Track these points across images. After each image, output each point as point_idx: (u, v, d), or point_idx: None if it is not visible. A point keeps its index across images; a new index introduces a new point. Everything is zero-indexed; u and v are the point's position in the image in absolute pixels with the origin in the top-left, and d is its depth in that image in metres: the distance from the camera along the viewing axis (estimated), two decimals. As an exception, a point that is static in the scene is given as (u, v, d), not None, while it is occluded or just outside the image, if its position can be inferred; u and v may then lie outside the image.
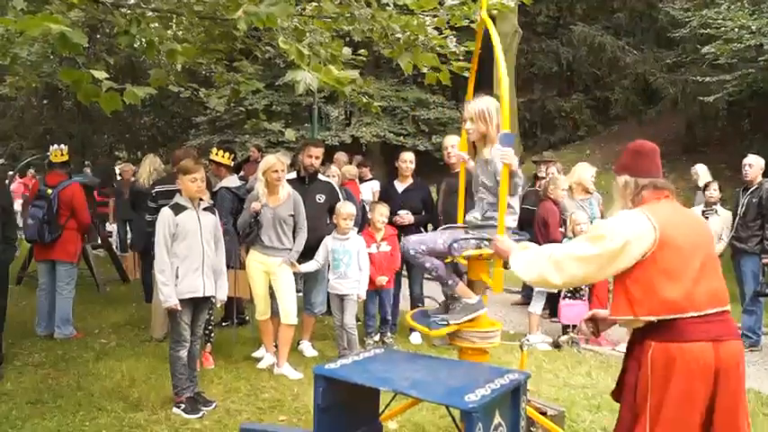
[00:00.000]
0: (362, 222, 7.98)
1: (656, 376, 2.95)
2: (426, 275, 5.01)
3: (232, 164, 7.74)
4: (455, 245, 4.34)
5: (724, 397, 2.94)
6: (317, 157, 6.90)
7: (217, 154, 7.48)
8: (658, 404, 2.94)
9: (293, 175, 6.90)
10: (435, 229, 6.84)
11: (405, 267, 7.61)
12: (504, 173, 4.04)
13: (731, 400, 2.96)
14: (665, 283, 2.97)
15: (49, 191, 7.34)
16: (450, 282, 4.46)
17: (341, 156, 10.55)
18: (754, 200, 7.53)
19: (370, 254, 6.84)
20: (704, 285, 3.02)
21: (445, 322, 4.45)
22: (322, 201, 6.86)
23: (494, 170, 4.25)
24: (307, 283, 6.89)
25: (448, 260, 4.50)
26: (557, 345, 4.95)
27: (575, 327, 7.30)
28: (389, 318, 7.23)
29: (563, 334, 7.37)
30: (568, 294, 7.36)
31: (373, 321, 7.29)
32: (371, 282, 6.85)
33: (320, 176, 7.08)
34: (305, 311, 6.94)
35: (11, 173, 16.42)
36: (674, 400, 2.91)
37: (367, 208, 8.84)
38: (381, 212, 6.99)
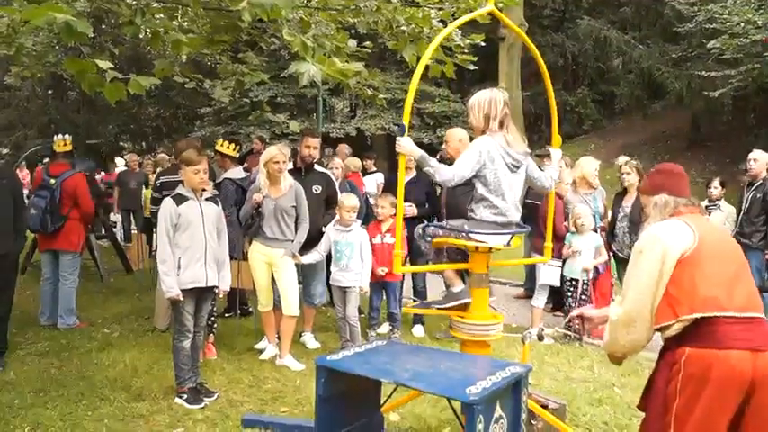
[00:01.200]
0: (366, 215, 7.98)
1: (689, 382, 2.93)
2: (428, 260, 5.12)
3: (237, 155, 7.74)
4: (428, 230, 4.54)
5: (757, 409, 2.92)
6: (314, 148, 6.89)
7: (222, 145, 7.48)
8: (687, 409, 2.92)
9: (290, 165, 6.88)
10: (439, 221, 6.86)
11: (408, 260, 7.59)
12: (401, 163, 4.34)
13: (764, 413, 2.93)
14: (706, 282, 2.98)
15: (52, 181, 7.34)
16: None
17: (344, 148, 10.54)
18: (758, 195, 7.52)
19: (374, 245, 6.84)
20: (742, 289, 3.03)
21: (427, 305, 4.56)
22: (319, 192, 6.85)
23: None
24: (305, 274, 6.88)
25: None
26: (540, 338, 5.01)
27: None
28: (396, 312, 7.22)
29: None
30: (573, 299, 7.32)
31: (377, 314, 7.29)
32: (373, 273, 6.85)
33: (317, 167, 7.06)
34: (305, 303, 6.93)
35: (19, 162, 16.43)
36: (704, 408, 2.89)
37: (371, 201, 8.84)
38: (381, 204, 6.98)
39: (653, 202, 3.37)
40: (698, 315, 2.95)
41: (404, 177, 4.32)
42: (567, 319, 5.89)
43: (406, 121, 4.24)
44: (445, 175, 4.20)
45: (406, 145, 4.21)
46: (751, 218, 7.53)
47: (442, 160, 7.53)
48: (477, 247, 4.38)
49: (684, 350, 2.97)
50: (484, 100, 4.39)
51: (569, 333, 7.10)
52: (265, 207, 6.21)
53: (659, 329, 3.10)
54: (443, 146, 7.37)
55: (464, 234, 4.34)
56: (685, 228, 3.10)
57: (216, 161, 7.68)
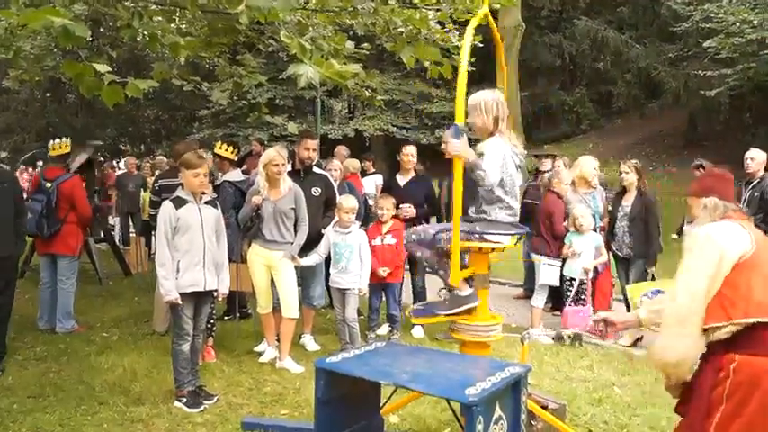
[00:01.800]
0: (365, 216, 7.99)
1: (738, 389, 2.87)
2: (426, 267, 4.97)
3: (236, 158, 7.74)
4: (441, 235, 4.40)
5: None
6: (313, 150, 6.89)
7: (221, 148, 7.48)
8: (732, 416, 2.87)
9: (288, 167, 6.87)
10: (439, 222, 6.85)
11: (407, 261, 7.59)
12: (456, 166, 4.14)
13: None
14: (762, 287, 2.93)
15: (48, 185, 7.33)
16: (441, 272, 4.47)
17: (342, 149, 10.54)
18: (756, 194, 7.51)
19: (374, 246, 6.85)
20: None
21: (431, 312, 4.48)
22: (318, 194, 6.84)
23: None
24: (305, 276, 6.88)
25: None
26: (559, 337, 4.99)
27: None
28: (395, 314, 7.22)
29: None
30: (571, 300, 7.32)
31: (376, 315, 7.29)
32: (374, 274, 6.85)
33: (315, 169, 7.06)
34: (304, 305, 6.92)
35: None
36: (750, 416, 2.84)
37: (370, 202, 8.84)
38: (383, 206, 7.00)
39: (702, 204, 3.29)
40: (753, 320, 2.88)
41: (460, 182, 4.13)
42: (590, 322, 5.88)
43: (460, 121, 4.09)
44: (491, 178, 4.11)
45: (461, 147, 4.06)
46: (749, 215, 7.52)
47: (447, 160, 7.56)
48: (492, 249, 4.38)
49: (733, 357, 2.90)
50: (491, 101, 4.34)
51: (583, 333, 7.11)
52: (264, 209, 6.21)
53: (705, 330, 2.98)
54: (443, 146, 7.35)
55: (476, 236, 4.31)
56: (742, 231, 3.05)
57: (215, 164, 7.68)
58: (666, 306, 3.16)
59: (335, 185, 7.33)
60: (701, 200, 3.32)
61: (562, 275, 7.42)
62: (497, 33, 4.96)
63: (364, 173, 10.47)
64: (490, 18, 4.73)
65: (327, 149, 17.32)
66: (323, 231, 6.63)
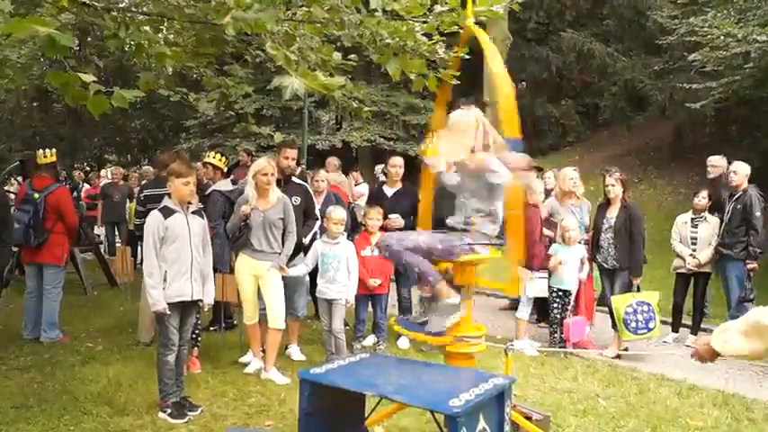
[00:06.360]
0: (353, 227, 8.02)
1: None
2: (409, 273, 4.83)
3: (225, 168, 7.76)
4: (457, 249, 4.34)
5: None
6: (293, 159, 6.89)
7: (214, 157, 7.47)
8: None
9: None
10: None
11: (395, 273, 7.60)
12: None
13: None
14: None
15: (36, 195, 7.31)
16: (431, 278, 4.43)
17: (333, 160, 10.56)
18: (738, 206, 7.55)
19: (364, 257, 6.86)
20: None
21: (421, 330, 4.48)
22: (298, 203, 6.83)
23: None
24: (288, 287, 6.86)
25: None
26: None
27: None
28: (382, 323, 7.22)
29: (552, 341, 7.41)
30: (559, 311, 7.32)
31: (363, 326, 7.29)
32: (364, 285, 6.86)
33: (294, 179, 7.06)
34: (288, 315, 6.90)
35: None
36: None
37: (361, 212, 8.88)
38: (372, 216, 7.02)
39: None
40: None
41: None
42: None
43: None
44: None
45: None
46: (732, 229, 7.56)
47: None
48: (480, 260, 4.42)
49: None
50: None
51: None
52: (253, 219, 6.21)
53: None
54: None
55: (467, 247, 4.32)
56: None
57: (205, 173, 7.68)
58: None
59: (323, 196, 7.35)
60: None
61: (549, 287, 7.45)
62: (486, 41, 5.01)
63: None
64: (475, 29, 4.77)
65: (315, 160, 17.34)
66: (304, 241, 6.63)
